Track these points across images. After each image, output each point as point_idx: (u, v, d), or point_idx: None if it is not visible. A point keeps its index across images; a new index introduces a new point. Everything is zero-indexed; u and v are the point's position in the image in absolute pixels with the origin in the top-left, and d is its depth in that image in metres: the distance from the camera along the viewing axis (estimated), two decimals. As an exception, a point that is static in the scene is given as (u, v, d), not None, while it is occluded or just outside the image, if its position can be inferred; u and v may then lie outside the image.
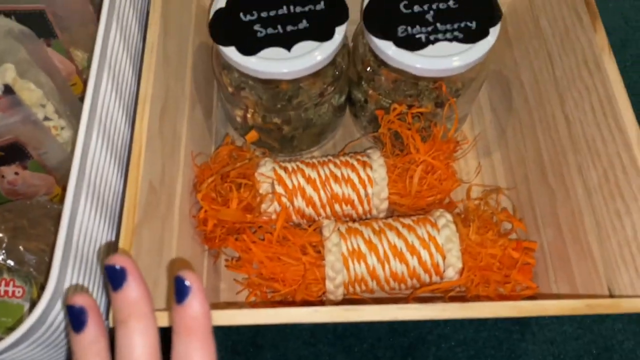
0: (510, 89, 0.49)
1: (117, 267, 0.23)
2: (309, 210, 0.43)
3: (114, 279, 0.23)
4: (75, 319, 0.23)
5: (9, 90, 0.36)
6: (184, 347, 0.23)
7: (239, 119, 0.47)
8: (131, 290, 0.23)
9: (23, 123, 0.37)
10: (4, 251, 0.35)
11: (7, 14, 0.38)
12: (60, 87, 0.38)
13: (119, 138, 0.40)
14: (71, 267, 0.31)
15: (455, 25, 0.41)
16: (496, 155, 0.50)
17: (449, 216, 0.41)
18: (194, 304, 0.23)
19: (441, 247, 0.40)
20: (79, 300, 0.23)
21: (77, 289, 0.32)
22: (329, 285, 0.40)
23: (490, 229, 0.41)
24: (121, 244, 0.31)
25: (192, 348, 0.23)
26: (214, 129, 0.49)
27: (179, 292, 0.23)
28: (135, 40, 0.45)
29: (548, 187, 0.42)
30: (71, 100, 0.40)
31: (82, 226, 0.33)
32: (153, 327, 0.24)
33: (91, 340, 0.23)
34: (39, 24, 0.39)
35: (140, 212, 0.33)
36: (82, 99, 0.41)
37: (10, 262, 0.35)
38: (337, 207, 0.43)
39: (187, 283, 0.23)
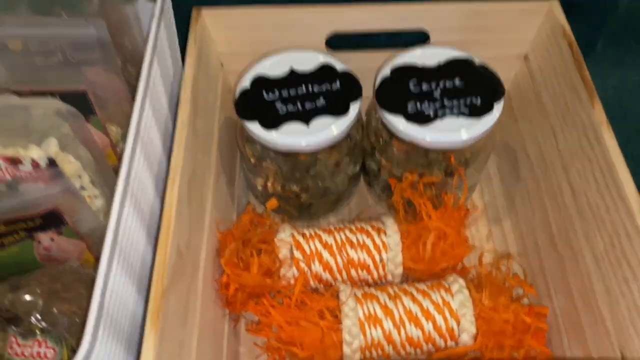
0: (517, 159, 0.52)
1: None
2: (326, 275, 0.45)
3: None
4: None
5: (52, 163, 0.39)
6: None
7: (259, 188, 0.50)
8: None
9: (63, 193, 0.40)
10: (38, 313, 0.37)
11: (53, 94, 0.42)
12: (97, 159, 0.42)
13: (147, 206, 0.43)
14: (102, 330, 0.33)
15: (462, 102, 0.44)
16: (506, 223, 0.52)
17: (462, 281, 0.42)
18: None
19: (455, 312, 0.41)
20: None
21: None
22: (346, 349, 0.41)
23: (503, 294, 0.42)
24: (150, 306, 0.33)
25: None
26: (236, 197, 0.52)
27: None
28: (165, 117, 0.48)
29: (557, 254, 0.44)
30: (106, 171, 0.43)
31: (113, 291, 0.35)
32: None
33: None
34: (80, 103, 0.43)
35: (168, 276, 0.35)
36: (115, 170, 0.45)
37: (44, 324, 0.37)
38: (353, 272, 0.45)
39: None
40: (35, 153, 0.39)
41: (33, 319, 0.37)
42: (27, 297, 0.38)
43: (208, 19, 0.48)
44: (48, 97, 0.41)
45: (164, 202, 0.38)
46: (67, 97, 0.43)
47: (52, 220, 0.41)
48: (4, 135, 0.39)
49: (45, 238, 0.42)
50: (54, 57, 0.44)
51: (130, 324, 0.39)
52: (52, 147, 0.40)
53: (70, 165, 0.41)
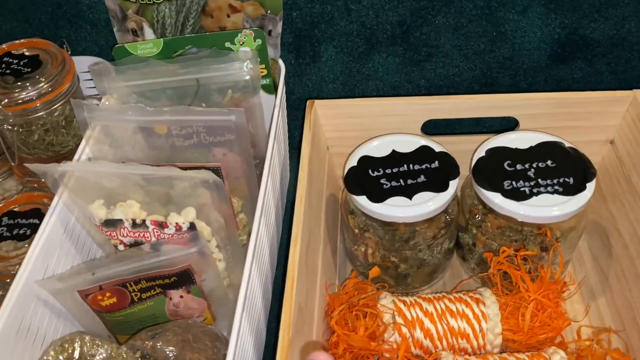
0: (609, 238, 0.53)
1: None
2: (427, 342, 0.47)
3: None
4: None
5: (193, 227, 0.45)
6: None
7: (360, 257, 0.54)
8: None
9: (197, 254, 0.45)
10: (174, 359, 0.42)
11: (196, 168, 0.49)
12: (229, 226, 0.48)
13: (264, 270, 0.48)
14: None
15: (555, 181, 0.48)
16: (601, 300, 0.53)
17: (562, 353, 0.44)
18: None
19: (558, 383, 0.42)
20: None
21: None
22: (450, 414, 0.42)
23: (605, 368, 0.43)
24: (279, 356, 0.37)
25: None
26: (338, 265, 0.56)
27: None
28: (278, 191, 0.55)
29: (659, 330, 0.44)
30: (233, 238, 0.49)
31: (239, 344, 0.39)
32: None
33: None
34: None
35: (292, 331, 0.39)
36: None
37: (178, 370, 0.41)
38: (453, 340, 0.47)
39: None
40: (179, 218, 0.46)
41: (169, 365, 0.42)
42: (165, 345, 0.42)
43: (319, 109, 0.55)
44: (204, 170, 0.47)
45: (286, 264, 0.43)
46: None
47: (185, 278, 0.46)
48: (154, 202, 0.47)
49: (176, 295, 0.47)
50: (191, 139, 0.52)
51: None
52: (190, 214, 0.47)
53: (203, 230, 0.47)
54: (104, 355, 0.41)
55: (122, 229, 0.46)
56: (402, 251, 0.51)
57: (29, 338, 0.42)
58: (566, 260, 0.54)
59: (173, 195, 0.47)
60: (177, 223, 0.45)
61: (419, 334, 0.47)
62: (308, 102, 0.55)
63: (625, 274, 0.50)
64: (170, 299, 0.48)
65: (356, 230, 0.52)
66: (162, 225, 0.46)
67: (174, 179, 0.46)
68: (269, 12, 0.55)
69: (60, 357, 0.40)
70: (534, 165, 0.49)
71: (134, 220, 0.46)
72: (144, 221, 0.46)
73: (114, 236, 0.47)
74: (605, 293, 0.53)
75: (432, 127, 0.57)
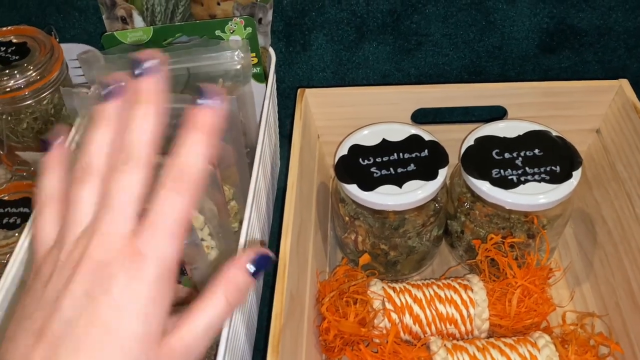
0: (594, 225, 0.55)
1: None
2: (416, 328, 0.48)
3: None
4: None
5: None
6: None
7: (350, 245, 0.55)
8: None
9: (189, 245, 0.46)
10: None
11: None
12: (222, 213, 0.48)
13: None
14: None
15: (542, 169, 0.48)
16: (586, 286, 0.54)
17: (547, 337, 0.45)
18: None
19: (543, 366, 0.43)
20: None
21: None
22: (439, 397, 0.43)
23: (589, 351, 0.44)
24: (271, 340, 0.38)
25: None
26: (328, 253, 0.57)
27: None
28: (269, 179, 0.55)
29: (641, 314, 0.46)
30: (225, 225, 0.49)
31: (231, 330, 0.40)
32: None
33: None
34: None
35: (284, 317, 0.39)
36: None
37: None
38: (441, 326, 0.48)
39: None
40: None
41: None
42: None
43: (310, 98, 0.55)
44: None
45: (277, 251, 0.43)
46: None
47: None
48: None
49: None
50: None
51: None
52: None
53: (195, 219, 0.48)
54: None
55: (113, 218, 0.46)
56: (391, 239, 0.52)
57: (22, 326, 0.42)
58: (552, 247, 0.55)
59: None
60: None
61: (408, 319, 0.48)
62: (299, 90, 0.55)
63: (609, 260, 0.51)
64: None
65: (346, 218, 0.53)
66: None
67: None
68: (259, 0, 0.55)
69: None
70: (522, 153, 0.50)
71: (125, 209, 0.46)
72: (136, 210, 0.46)
73: (106, 225, 0.47)
74: (589, 279, 0.54)
75: (421, 116, 0.57)
